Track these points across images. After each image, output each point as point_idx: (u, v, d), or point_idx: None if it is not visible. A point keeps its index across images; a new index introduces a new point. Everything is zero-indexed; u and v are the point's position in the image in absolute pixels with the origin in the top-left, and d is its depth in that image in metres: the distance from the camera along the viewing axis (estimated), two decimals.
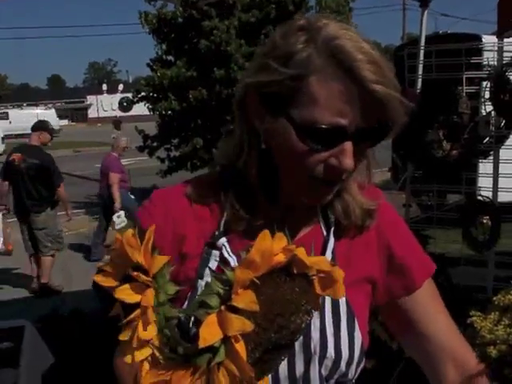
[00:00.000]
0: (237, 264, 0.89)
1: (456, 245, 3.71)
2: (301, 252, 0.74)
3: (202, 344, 0.67)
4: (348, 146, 0.85)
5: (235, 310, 0.69)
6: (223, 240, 0.97)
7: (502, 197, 3.38)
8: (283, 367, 0.93)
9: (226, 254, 0.96)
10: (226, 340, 0.68)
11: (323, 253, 0.99)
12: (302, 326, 0.74)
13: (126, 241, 0.75)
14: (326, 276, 0.76)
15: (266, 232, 0.72)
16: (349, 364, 0.96)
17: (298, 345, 0.92)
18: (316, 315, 0.94)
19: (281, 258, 0.73)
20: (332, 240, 1.00)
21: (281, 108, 0.87)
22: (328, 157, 0.86)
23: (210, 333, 0.68)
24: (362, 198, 1.00)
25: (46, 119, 8.13)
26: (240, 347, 0.68)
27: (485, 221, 3.32)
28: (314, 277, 0.76)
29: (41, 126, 6.38)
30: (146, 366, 0.74)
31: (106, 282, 0.77)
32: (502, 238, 3.37)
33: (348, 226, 1.01)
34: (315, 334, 0.94)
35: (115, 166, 7.66)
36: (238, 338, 0.68)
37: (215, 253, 0.97)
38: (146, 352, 0.74)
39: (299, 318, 0.73)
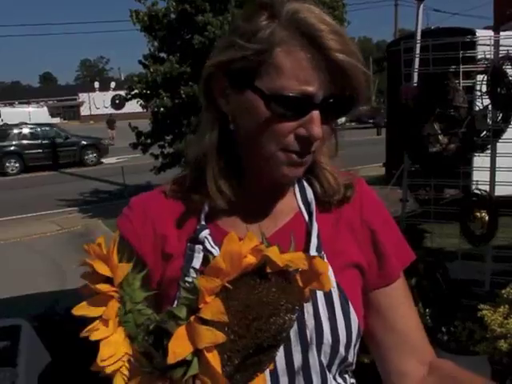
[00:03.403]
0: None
1: (452, 239, 3.71)
2: (272, 252, 0.70)
3: (171, 359, 0.65)
4: (316, 114, 0.87)
5: (205, 321, 0.66)
6: (205, 232, 0.96)
7: (499, 190, 3.38)
8: (280, 360, 0.91)
9: (209, 247, 0.95)
10: (198, 352, 0.66)
11: (308, 240, 0.97)
12: (285, 325, 0.71)
13: (92, 252, 0.74)
14: (309, 269, 0.73)
15: (233, 235, 0.70)
16: (347, 347, 0.95)
17: (293, 335, 0.91)
18: (309, 303, 0.91)
19: (251, 259, 0.70)
20: (315, 226, 0.99)
21: (247, 82, 0.89)
22: (297, 127, 0.88)
23: (179, 346, 0.65)
24: (338, 174, 1.02)
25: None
26: (213, 358, 0.65)
27: (482, 215, 3.31)
28: (294, 272, 0.73)
29: None
30: (120, 379, 0.72)
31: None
32: (500, 232, 3.37)
33: (329, 202, 1.01)
34: (310, 322, 0.92)
35: None
36: (211, 349, 0.65)
37: (198, 247, 0.96)
38: (115, 365, 0.72)
39: (281, 318, 0.70)
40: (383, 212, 1.08)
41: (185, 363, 0.66)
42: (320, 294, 0.94)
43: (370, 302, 1.04)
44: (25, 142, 20.44)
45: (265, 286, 0.70)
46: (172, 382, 0.67)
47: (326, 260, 0.95)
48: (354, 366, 1.02)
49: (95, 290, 0.73)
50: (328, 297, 0.94)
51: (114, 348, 0.71)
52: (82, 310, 0.73)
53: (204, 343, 0.65)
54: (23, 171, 19.93)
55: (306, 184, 1.03)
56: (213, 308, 0.66)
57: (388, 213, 1.09)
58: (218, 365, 0.65)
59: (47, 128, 21.67)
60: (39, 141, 20.62)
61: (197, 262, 0.95)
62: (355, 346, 0.98)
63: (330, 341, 0.93)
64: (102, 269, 0.73)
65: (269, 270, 0.71)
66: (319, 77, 0.85)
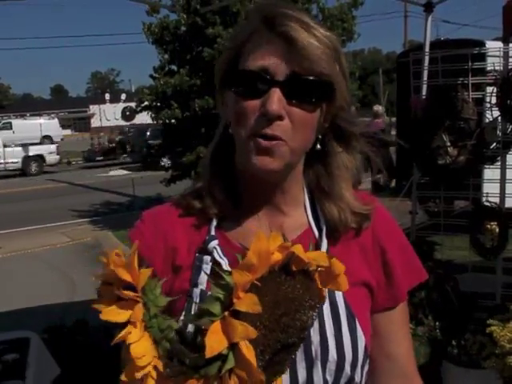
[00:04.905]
0: (228, 266, 0.90)
1: (462, 251, 3.69)
2: (298, 249, 0.74)
3: (209, 353, 0.67)
4: (274, 91, 0.88)
5: (238, 315, 0.68)
6: (214, 243, 0.97)
7: (509, 202, 3.36)
8: (285, 375, 0.88)
9: (217, 257, 0.95)
10: (233, 346, 0.68)
11: None
12: (308, 322, 0.74)
13: (111, 262, 0.75)
14: (326, 270, 0.76)
15: (261, 233, 0.72)
16: (354, 366, 0.93)
17: (298, 351, 0.89)
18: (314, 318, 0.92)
19: (278, 256, 0.73)
20: (325, 242, 0.98)
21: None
22: (260, 106, 0.89)
23: (216, 341, 0.67)
24: (355, 202, 1.00)
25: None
26: (248, 352, 0.67)
27: (492, 227, 3.29)
28: (314, 272, 0.76)
29: None
30: (151, 382, 0.73)
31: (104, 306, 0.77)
32: (510, 244, 3.35)
33: (342, 229, 1.00)
34: (315, 338, 0.91)
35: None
36: (246, 342, 0.67)
37: (206, 258, 0.96)
38: (146, 369, 0.73)
39: (304, 315, 0.73)
40: (396, 232, 1.07)
41: (219, 359, 0.68)
42: (327, 310, 0.93)
43: (372, 324, 1.03)
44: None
45: (290, 283, 0.73)
46: (207, 379, 0.69)
47: None
48: None
49: (120, 296, 0.75)
50: (335, 313, 0.94)
51: (144, 349, 0.73)
52: (108, 314, 0.74)
53: (238, 337, 0.67)
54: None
55: (317, 203, 1.02)
56: (247, 300, 0.68)
57: (402, 233, 1.08)
58: (254, 358, 0.67)
59: None
60: None
61: (206, 273, 0.95)
62: (362, 366, 0.95)
63: (336, 358, 0.92)
64: (125, 275, 0.75)
65: (293, 268, 0.74)
66: (275, 53, 0.88)
